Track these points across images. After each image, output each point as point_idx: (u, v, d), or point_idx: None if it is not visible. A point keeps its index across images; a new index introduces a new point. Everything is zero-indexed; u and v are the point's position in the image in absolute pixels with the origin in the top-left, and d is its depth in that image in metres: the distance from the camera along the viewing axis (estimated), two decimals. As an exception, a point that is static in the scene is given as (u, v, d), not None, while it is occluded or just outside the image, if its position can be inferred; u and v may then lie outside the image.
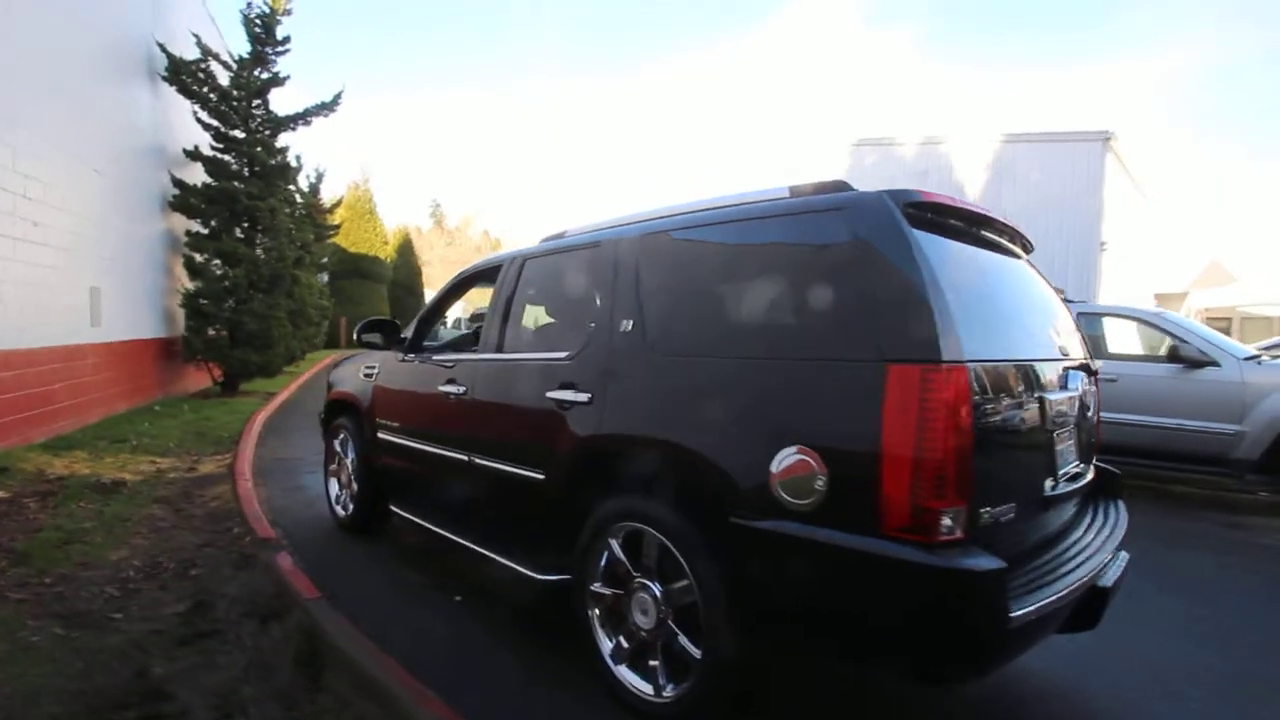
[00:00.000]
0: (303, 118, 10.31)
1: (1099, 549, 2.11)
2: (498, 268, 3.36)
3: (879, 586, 1.71)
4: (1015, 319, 2.15)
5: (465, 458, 3.10)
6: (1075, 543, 2.11)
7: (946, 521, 1.63)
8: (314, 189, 17.25)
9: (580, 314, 2.88)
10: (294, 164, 10.97)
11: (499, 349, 3.09)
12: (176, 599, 3.08)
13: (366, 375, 4.13)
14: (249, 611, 2.96)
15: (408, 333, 3.83)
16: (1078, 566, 1.96)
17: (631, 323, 2.43)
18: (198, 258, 9.74)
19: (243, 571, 3.41)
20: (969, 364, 1.70)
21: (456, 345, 4.11)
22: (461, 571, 3.65)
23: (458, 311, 25.41)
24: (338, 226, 20.13)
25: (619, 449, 2.37)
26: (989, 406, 1.78)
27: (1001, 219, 2.38)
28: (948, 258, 1.89)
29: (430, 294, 48.71)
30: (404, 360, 3.78)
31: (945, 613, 1.63)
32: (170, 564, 3.51)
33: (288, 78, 10.32)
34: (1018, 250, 2.55)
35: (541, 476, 2.66)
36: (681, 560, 2.13)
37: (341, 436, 4.42)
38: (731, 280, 2.24)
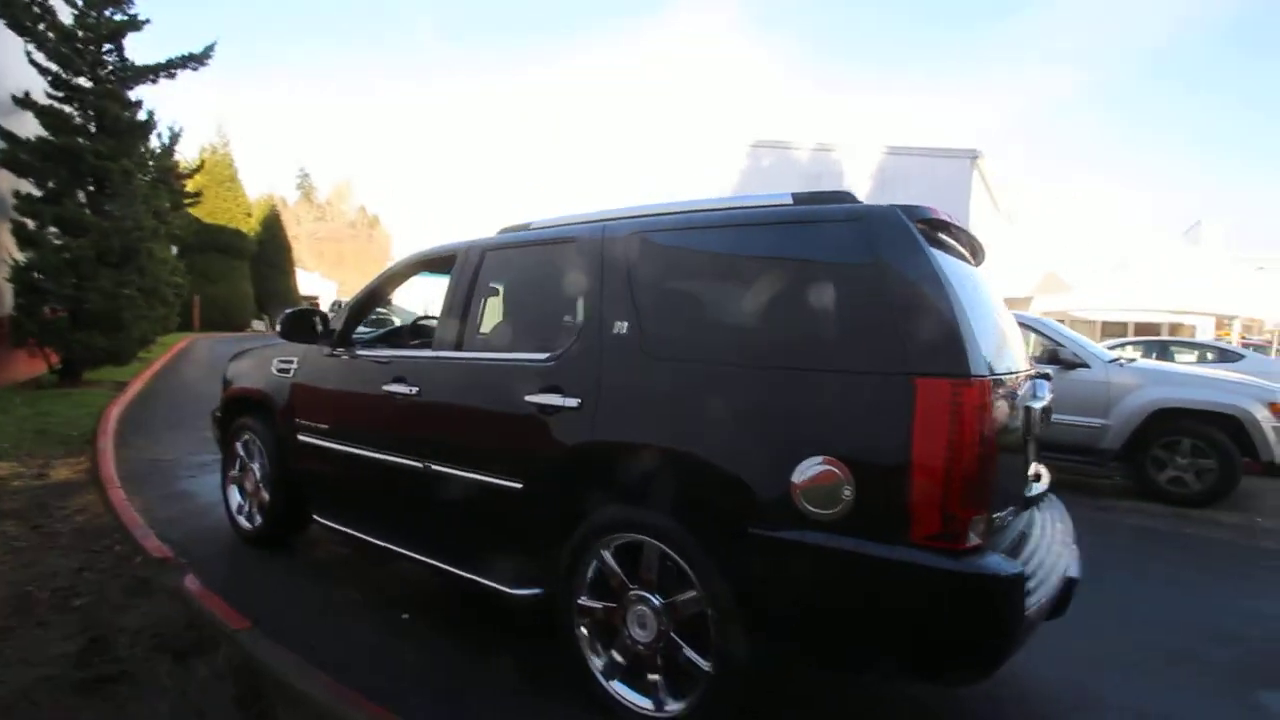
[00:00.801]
0: (166, 69, 9.04)
1: (1063, 542, 2.31)
2: (451, 257, 3.11)
3: (907, 593, 1.75)
4: (999, 331, 2.28)
5: (419, 464, 2.85)
6: (1044, 538, 2.30)
7: (973, 528, 1.71)
8: (167, 150, 15.26)
9: (556, 312, 2.73)
10: (147, 120, 9.61)
11: (458, 346, 2.86)
12: (63, 636, 2.60)
13: (281, 371, 3.69)
14: (159, 647, 2.56)
15: (336, 324, 3.46)
16: (1056, 560, 2.13)
17: (626, 325, 2.33)
18: (30, 224, 8.29)
19: (139, 599, 2.95)
20: (989, 377, 1.78)
21: (389, 340, 3.78)
22: (396, 584, 3.39)
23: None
24: (198, 194, 17.97)
25: (614, 457, 2.27)
26: (999, 417, 1.88)
27: (968, 230, 2.52)
28: (953, 273, 1.97)
29: (304, 273, 44.93)
30: (332, 355, 3.42)
31: (972, 616, 1.70)
32: (43, 594, 2.96)
33: (147, 21, 9.01)
34: (976, 261, 2.72)
35: (519, 485, 2.50)
36: (689, 572, 2.08)
37: (245, 438, 3.94)
38: (739, 286, 2.20)
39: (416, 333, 3.95)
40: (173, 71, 9.07)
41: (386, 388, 3.02)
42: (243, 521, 3.95)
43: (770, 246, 2.14)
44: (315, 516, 3.53)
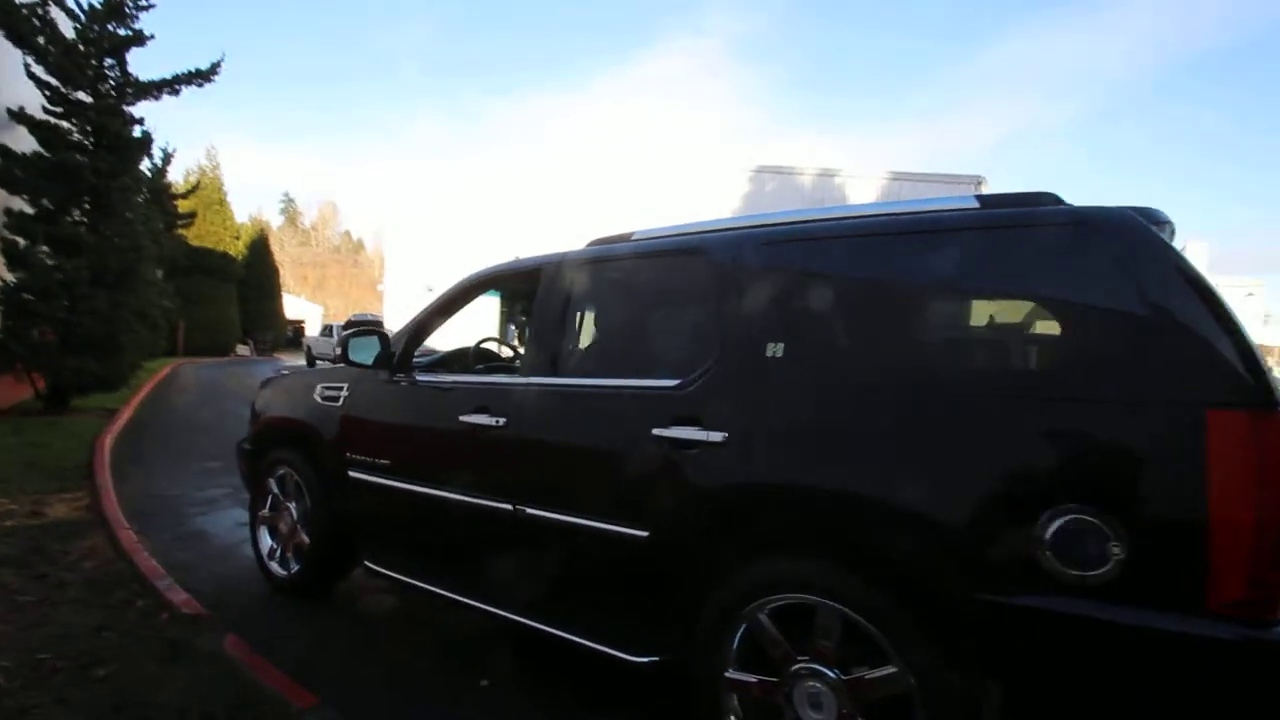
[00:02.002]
0: (170, 85, 8.69)
1: None
2: (533, 273, 2.78)
3: (1200, 673, 1.43)
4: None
5: (508, 507, 2.49)
6: None
7: None
8: (160, 170, 14.84)
9: (679, 332, 2.40)
10: (144, 136, 9.22)
11: (554, 371, 2.52)
12: (91, 719, 2.17)
13: (328, 399, 3.31)
14: (210, 730, 2.14)
15: (396, 348, 3.10)
16: None
17: (783, 347, 2.01)
18: (21, 243, 7.82)
19: (176, 667, 2.52)
20: None
21: (449, 367, 3.42)
22: (462, 638, 2.98)
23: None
24: (192, 215, 17.45)
25: (776, 503, 1.94)
26: None
27: None
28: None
29: (290, 298, 44.19)
30: (391, 382, 3.05)
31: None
32: (60, 661, 2.52)
33: (151, 37, 8.69)
34: None
35: (643, 534, 2.14)
36: (885, 643, 1.73)
37: (281, 474, 3.53)
38: (938, 302, 1.91)
39: (481, 357, 3.60)
40: (177, 88, 8.72)
41: (466, 419, 2.65)
42: (275, 568, 3.53)
43: (972, 256, 1.84)
44: (368, 563, 3.12)
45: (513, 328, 25.96)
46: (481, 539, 2.63)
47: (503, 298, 23.46)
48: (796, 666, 1.89)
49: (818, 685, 1.85)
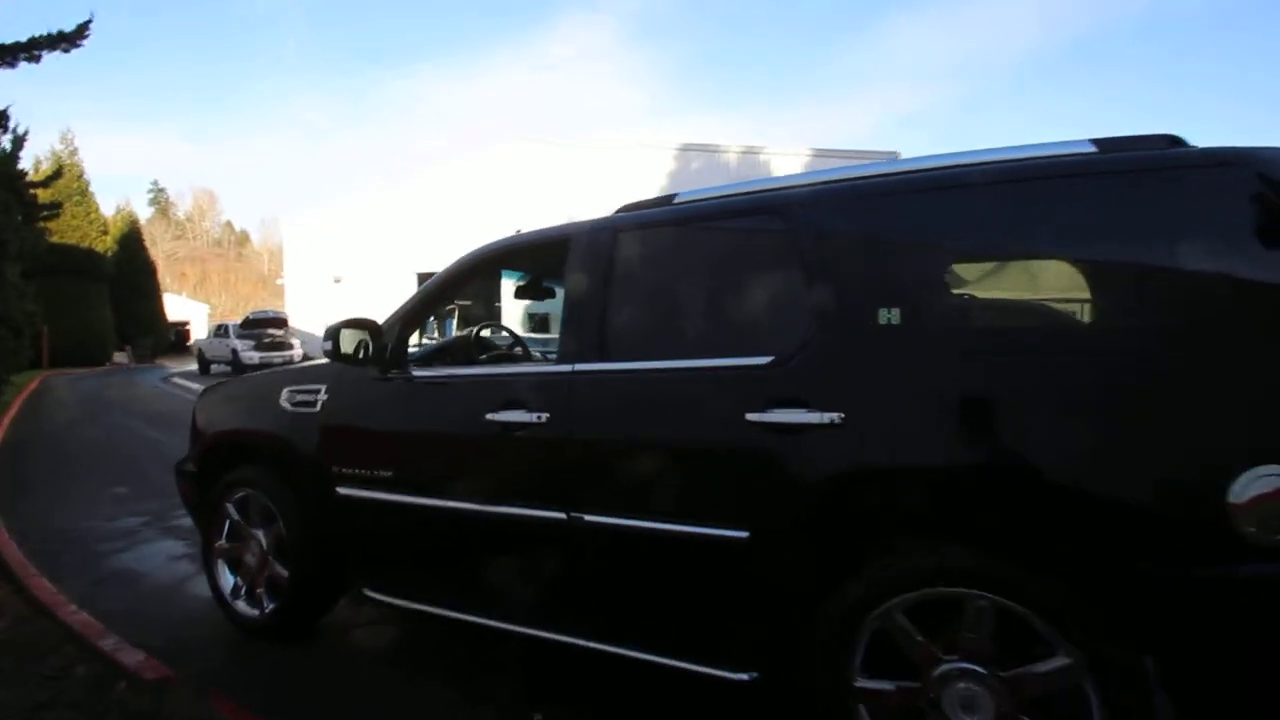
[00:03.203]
0: (28, 50, 7.35)
1: None
2: (558, 245, 2.42)
3: None
4: None
5: (559, 516, 2.14)
6: None
7: None
8: (10, 154, 12.82)
9: (758, 302, 2.12)
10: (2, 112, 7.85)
11: (603, 355, 2.18)
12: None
13: (300, 405, 2.80)
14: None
15: (387, 341, 2.63)
16: None
17: (898, 313, 1.77)
18: None
19: (152, 748, 2.02)
20: None
21: (444, 357, 2.98)
22: (486, 666, 2.61)
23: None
24: (57, 206, 15.22)
25: (913, 487, 1.72)
26: None
27: None
28: None
29: (173, 298, 40.30)
30: (385, 380, 2.60)
31: None
32: (-8, 764, 1.96)
33: (-6, -9, 7.30)
34: None
35: (742, 535, 1.87)
36: (1054, 634, 1.55)
37: (241, 497, 2.99)
38: (1079, 254, 1.72)
39: (483, 346, 3.17)
40: (37, 53, 7.40)
41: (495, 417, 2.27)
42: (243, 608, 2.99)
43: (1110, 201, 1.66)
44: (369, 593, 2.68)
45: (430, 318, 24.93)
46: (522, 554, 2.28)
47: (421, 284, 22.35)
48: (944, 668, 1.68)
49: (972, 686, 1.65)
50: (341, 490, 2.65)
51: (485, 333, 3.29)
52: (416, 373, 2.60)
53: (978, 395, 1.66)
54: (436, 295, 2.70)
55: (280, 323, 20.59)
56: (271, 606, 2.90)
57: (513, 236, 2.64)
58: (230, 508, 3.03)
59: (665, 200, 2.36)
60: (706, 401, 1.97)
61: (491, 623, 2.36)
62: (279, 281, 26.75)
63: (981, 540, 1.65)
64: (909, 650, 1.72)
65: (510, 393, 2.29)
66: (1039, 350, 1.64)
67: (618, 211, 2.44)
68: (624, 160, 17.39)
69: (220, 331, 20.70)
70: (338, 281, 21.99)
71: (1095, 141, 1.80)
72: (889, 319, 1.78)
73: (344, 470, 2.65)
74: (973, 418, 1.67)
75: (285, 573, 2.86)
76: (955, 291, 1.80)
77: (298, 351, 20.02)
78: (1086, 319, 1.69)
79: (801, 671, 1.83)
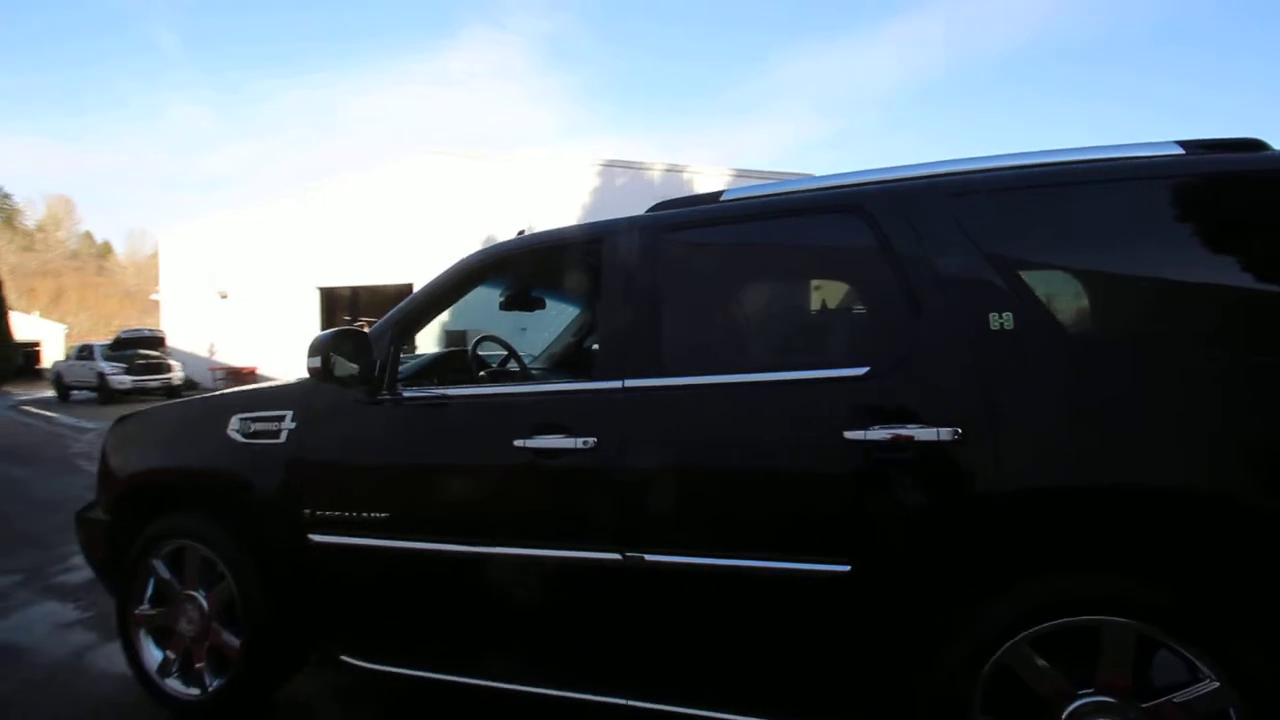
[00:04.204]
0: None
1: None
2: (588, 245, 2.14)
3: None
4: None
5: (614, 556, 1.84)
6: None
7: None
8: None
9: (838, 307, 1.92)
10: None
11: (659, 370, 1.90)
12: None
13: (258, 436, 2.32)
14: None
15: (378, 357, 2.21)
16: None
17: (1011, 316, 1.63)
18: None
19: None
20: None
21: (435, 376, 2.57)
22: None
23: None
24: None
25: (1050, 509, 1.56)
26: None
27: None
28: None
29: (22, 316, 35.68)
30: (375, 403, 2.19)
31: None
32: None
33: None
34: None
35: (842, 569, 1.65)
36: (1203, 661, 1.43)
37: (173, 551, 2.45)
38: (1204, 253, 1.63)
39: (481, 362, 2.78)
40: None
41: (525, 444, 1.94)
42: (176, 687, 2.43)
43: (1238, 202, 1.60)
44: (350, 660, 2.23)
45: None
46: (561, 604, 1.94)
47: (324, 299, 20.70)
48: (1079, 703, 1.53)
49: None
50: (317, 538, 2.20)
51: (484, 349, 2.90)
52: (413, 393, 2.20)
53: (1119, 403, 1.54)
54: (435, 302, 2.31)
55: (156, 342, 18.51)
56: (217, 684, 2.37)
57: (528, 236, 2.31)
58: (158, 565, 2.47)
59: (710, 198, 2.13)
60: (792, 419, 1.74)
61: (517, 687, 2.00)
62: (153, 297, 24.06)
63: (1127, 563, 1.52)
64: (1039, 687, 1.56)
65: (543, 415, 1.96)
66: (1173, 352, 1.54)
67: (652, 210, 2.19)
68: (544, 175, 17.04)
69: (84, 353, 18.30)
70: (224, 297, 20.06)
71: (1180, 144, 1.76)
72: (1000, 324, 1.63)
73: (321, 513, 2.20)
74: (1111, 428, 1.54)
75: (236, 641, 2.34)
76: (1078, 293, 1.68)
77: (177, 374, 18.04)
78: (1225, 321, 1.60)
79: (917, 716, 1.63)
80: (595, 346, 3.36)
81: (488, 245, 2.36)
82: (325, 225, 18.68)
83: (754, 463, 1.77)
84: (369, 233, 18.18)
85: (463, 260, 2.32)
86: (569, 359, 3.31)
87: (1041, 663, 1.55)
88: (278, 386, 2.50)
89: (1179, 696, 1.47)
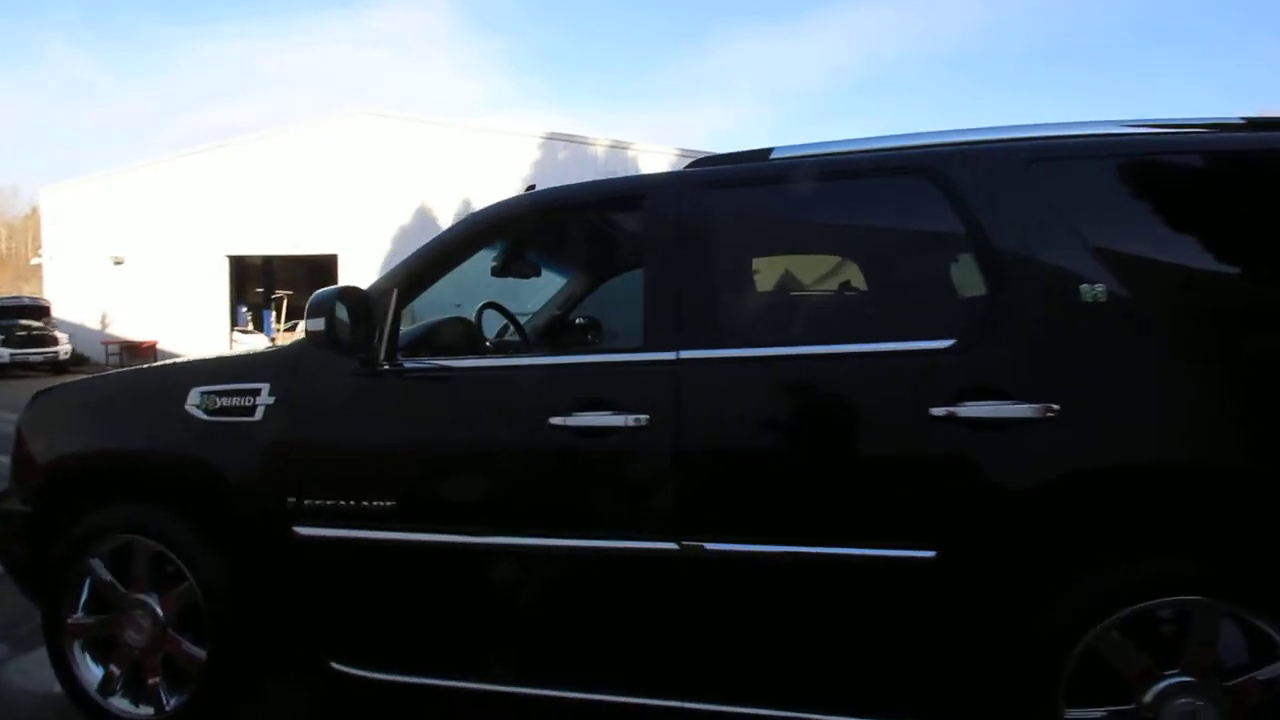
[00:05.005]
0: None
1: None
2: (627, 199, 1.93)
3: None
4: None
5: (670, 546, 1.66)
6: None
7: None
8: None
9: (913, 276, 1.80)
10: None
11: (717, 340, 1.72)
12: None
13: (228, 412, 1.98)
14: None
15: (380, 323, 1.92)
16: None
17: (1103, 289, 1.55)
18: None
19: None
20: None
21: (434, 347, 2.28)
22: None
23: None
24: None
25: (1153, 489, 1.51)
26: None
27: None
28: None
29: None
30: (377, 374, 1.90)
31: None
32: None
33: None
34: None
35: (928, 555, 1.54)
36: None
37: (116, 549, 2.08)
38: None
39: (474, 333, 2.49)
40: None
41: (564, 421, 1.72)
42: (122, 707, 2.09)
43: None
44: (341, 667, 1.95)
45: (244, 309, 21.65)
46: (605, 598, 1.75)
47: (233, 269, 19.11)
48: (1164, 684, 1.48)
49: (1192, 700, 1.47)
50: (303, 530, 1.91)
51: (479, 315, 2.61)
52: (421, 364, 1.93)
53: (1210, 380, 1.49)
54: (440, 261, 2.02)
55: (40, 311, 16.62)
56: (176, 701, 2.03)
57: (547, 190, 2.06)
58: (96, 565, 2.09)
59: (758, 155, 1.95)
60: (871, 394, 1.61)
61: (549, 692, 1.80)
62: (35, 262, 21.59)
63: (1219, 543, 1.48)
64: (1126, 669, 1.51)
65: (584, 390, 1.75)
66: (1265, 327, 1.50)
67: (692, 167, 1.99)
68: (483, 145, 16.32)
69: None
70: (119, 263, 18.22)
71: (1245, 120, 1.73)
72: (1092, 295, 1.55)
73: (309, 502, 1.90)
74: (1204, 406, 1.49)
75: (200, 651, 2.02)
76: (1168, 266, 1.62)
77: (64, 347, 16.28)
78: None
79: (1000, 711, 1.55)
80: (579, 320, 3.17)
81: (496, 201, 2.08)
82: (238, 187, 17.21)
83: (827, 440, 1.64)
84: (288, 197, 16.90)
85: (474, 215, 2.05)
86: (552, 332, 3.07)
87: (1130, 645, 1.50)
88: (248, 355, 2.18)
89: (1259, 674, 1.46)
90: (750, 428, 1.68)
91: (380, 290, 1.96)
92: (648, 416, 1.68)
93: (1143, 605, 1.49)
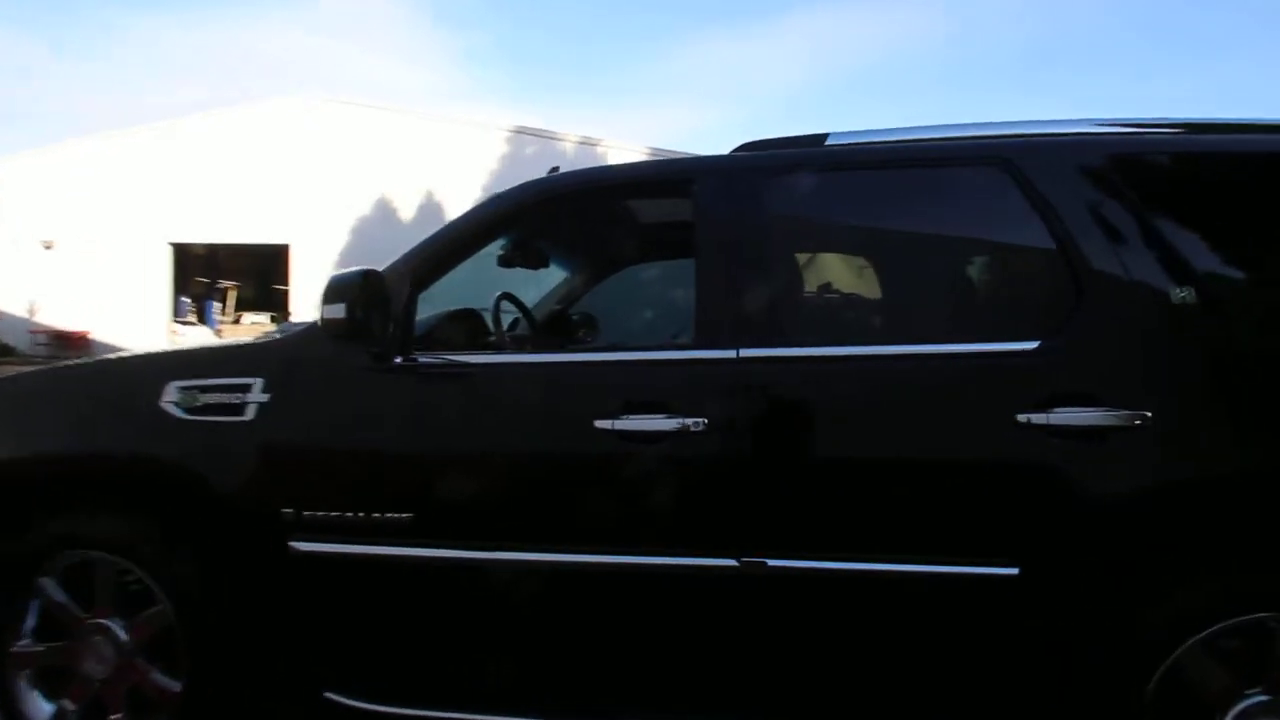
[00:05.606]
0: None
1: None
2: (675, 185, 1.78)
3: None
4: None
5: (730, 563, 1.51)
6: None
7: None
8: None
9: (986, 274, 1.69)
10: None
11: (782, 338, 1.58)
12: None
13: (211, 410, 1.74)
14: None
15: (395, 310, 1.70)
16: None
17: (1193, 291, 1.47)
18: None
19: None
20: None
21: (443, 341, 2.06)
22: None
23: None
24: None
25: (1224, 498, 1.43)
26: None
27: None
28: None
29: None
30: (390, 370, 1.69)
31: None
32: None
33: None
34: None
35: (1010, 572, 1.43)
36: None
37: (72, 566, 1.82)
38: None
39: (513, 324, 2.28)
40: None
41: (608, 425, 1.55)
42: (77, 749, 1.80)
43: None
44: (337, 698, 1.73)
45: (186, 300, 20.49)
46: (658, 620, 1.59)
47: (176, 257, 18.02)
48: (1247, 703, 1.41)
49: None
50: (302, 545, 1.68)
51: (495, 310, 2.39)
52: (442, 359, 1.73)
53: None
54: (461, 246, 1.81)
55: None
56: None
57: (577, 172, 1.88)
58: (46, 584, 1.82)
59: (812, 141, 1.81)
60: (953, 398, 1.50)
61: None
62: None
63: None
64: (1208, 688, 1.44)
65: (632, 390, 1.58)
66: None
67: (739, 150, 1.85)
68: (447, 136, 15.85)
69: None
70: (49, 248, 16.98)
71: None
72: (1184, 298, 1.47)
73: (310, 514, 1.68)
74: None
75: (173, 683, 1.76)
76: (1261, 270, 1.55)
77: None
78: None
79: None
80: (576, 316, 2.98)
81: (525, 182, 1.89)
82: (183, 170, 16.26)
83: (905, 447, 1.51)
84: (237, 182, 16.05)
85: (499, 196, 1.85)
86: (549, 329, 2.88)
87: (1213, 664, 1.43)
88: (235, 346, 1.95)
89: None
90: (818, 433, 1.54)
91: (396, 275, 1.75)
92: (706, 420, 1.52)
93: (1230, 622, 1.41)
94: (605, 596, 1.59)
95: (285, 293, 17.65)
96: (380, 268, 1.76)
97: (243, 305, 20.46)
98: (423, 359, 1.74)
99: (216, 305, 20.49)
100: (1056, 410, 1.42)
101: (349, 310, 1.53)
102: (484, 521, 1.63)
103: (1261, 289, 1.54)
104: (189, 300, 20.27)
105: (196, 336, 16.95)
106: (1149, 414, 1.41)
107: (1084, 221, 1.53)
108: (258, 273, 20.68)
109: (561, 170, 2.04)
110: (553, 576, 1.59)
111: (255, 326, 17.35)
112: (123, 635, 1.79)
